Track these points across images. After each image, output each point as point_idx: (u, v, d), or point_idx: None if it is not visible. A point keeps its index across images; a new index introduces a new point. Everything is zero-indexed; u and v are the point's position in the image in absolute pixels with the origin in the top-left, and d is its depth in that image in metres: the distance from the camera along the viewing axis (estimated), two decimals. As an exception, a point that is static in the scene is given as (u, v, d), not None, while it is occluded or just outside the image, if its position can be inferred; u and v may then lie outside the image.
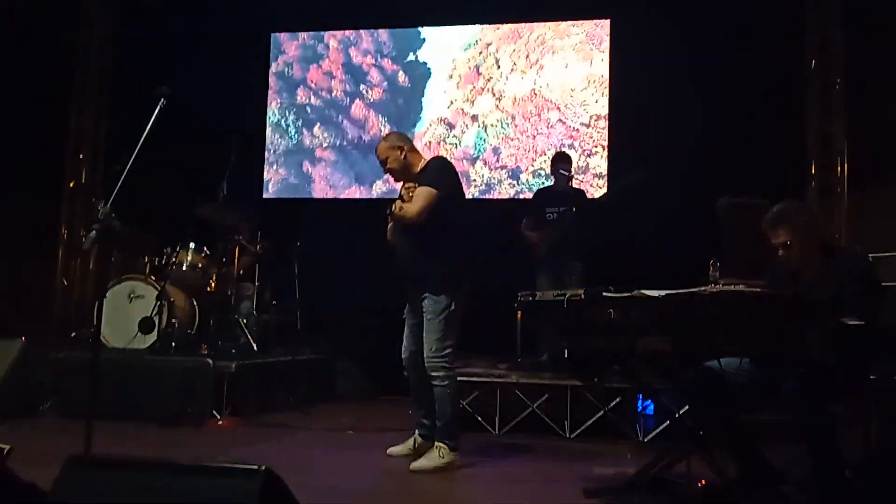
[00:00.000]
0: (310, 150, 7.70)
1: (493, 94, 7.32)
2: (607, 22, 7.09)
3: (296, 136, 7.75)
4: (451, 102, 7.41)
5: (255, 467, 2.06)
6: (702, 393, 3.23)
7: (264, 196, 7.68)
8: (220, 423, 5.05)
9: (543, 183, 6.56)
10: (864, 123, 6.13)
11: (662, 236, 6.25)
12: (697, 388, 3.22)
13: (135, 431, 4.57)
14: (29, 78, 7.10)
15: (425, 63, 7.54)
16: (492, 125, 7.29)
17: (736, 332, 2.57)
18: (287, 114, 7.79)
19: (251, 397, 5.51)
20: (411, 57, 7.58)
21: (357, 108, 7.66)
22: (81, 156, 7.66)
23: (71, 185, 7.61)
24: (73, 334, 6.28)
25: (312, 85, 7.79)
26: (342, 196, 7.56)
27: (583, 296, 3.00)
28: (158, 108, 3.29)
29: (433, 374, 3.86)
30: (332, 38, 7.76)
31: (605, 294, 2.93)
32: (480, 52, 7.40)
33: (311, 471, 3.74)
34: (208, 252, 6.06)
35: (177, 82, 3.83)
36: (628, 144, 6.74)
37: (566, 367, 5.13)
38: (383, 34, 7.65)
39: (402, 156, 4.01)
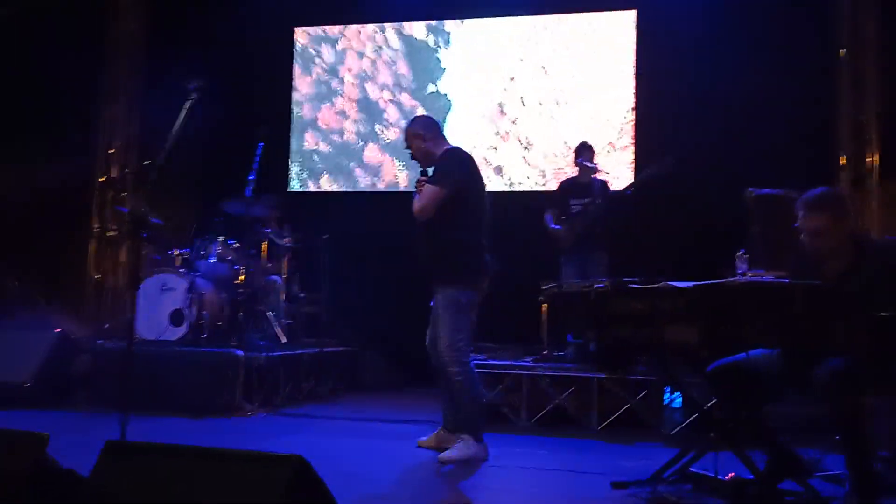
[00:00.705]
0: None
1: (517, 133, 7.31)
2: (633, 13, 7.05)
3: (299, 186, 7.78)
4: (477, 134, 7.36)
5: (288, 455, 2.10)
6: (730, 385, 3.22)
7: (290, 189, 7.75)
8: (250, 413, 5.12)
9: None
10: (896, 113, 6.03)
11: (688, 228, 6.21)
12: (725, 379, 3.20)
13: (167, 422, 4.66)
14: (59, 71, 7.20)
15: (446, 95, 7.53)
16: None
17: (764, 323, 2.56)
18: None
19: (280, 388, 5.59)
20: (431, 88, 7.58)
21: (370, 152, 7.67)
22: (112, 150, 7.77)
23: (102, 179, 7.73)
24: (105, 325, 6.40)
25: (323, 127, 7.81)
26: (369, 189, 7.60)
27: (609, 287, 3.00)
28: (190, 101, 3.33)
29: (448, 368, 3.88)
30: (348, 73, 7.77)
31: (631, 285, 2.93)
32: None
33: (339, 460, 3.79)
34: (237, 245, 6.14)
35: (206, 75, 3.89)
36: (654, 135, 6.69)
37: (592, 359, 5.11)
38: (402, 66, 7.65)
39: (424, 144, 4.02)
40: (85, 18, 7.47)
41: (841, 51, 6.23)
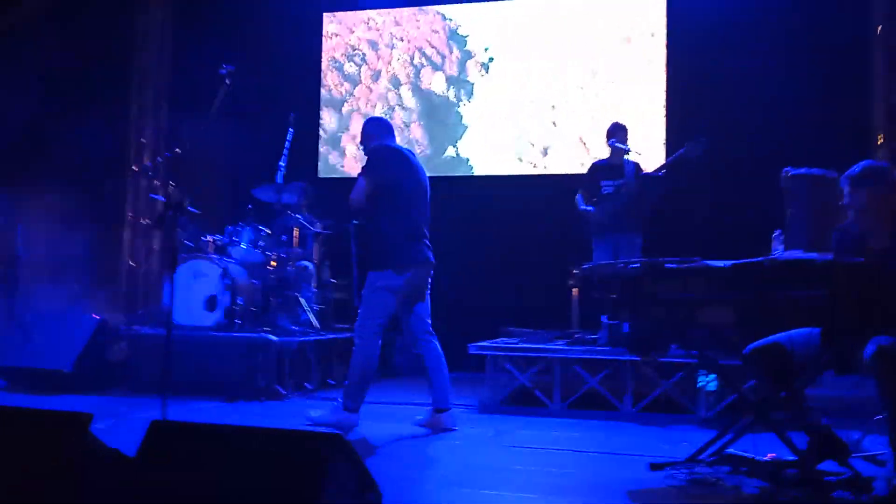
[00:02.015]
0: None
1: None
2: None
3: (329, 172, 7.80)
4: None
5: (329, 433, 2.12)
6: (768, 366, 3.18)
7: (320, 176, 7.79)
8: (283, 397, 5.18)
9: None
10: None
11: (723, 209, 6.13)
12: (764, 360, 3.17)
13: (202, 405, 4.74)
14: (90, 62, 7.29)
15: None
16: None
17: (805, 302, 2.52)
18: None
19: (313, 373, 5.64)
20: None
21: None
22: (143, 139, 7.86)
23: (134, 167, 7.82)
24: (139, 312, 6.49)
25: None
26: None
27: (644, 267, 2.98)
28: (225, 87, 3.35)
29: (354, 338, 4.27)
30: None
31: (667, 265, 2.91)
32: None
33: (372, 442, 3.83)
34: (269, 231, 6.18)
35: (235, 63, 3.92)
36: (687, 115, 6.61)
37: (625, 342, 5.08)
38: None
39: (370, 143, 4.37)
40: (113, 9, 7.54)
41: (878, 27, 6.10)
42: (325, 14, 7.92)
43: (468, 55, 7.54)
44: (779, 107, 6.19)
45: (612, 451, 3.68)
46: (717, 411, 4.62)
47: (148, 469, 2.06)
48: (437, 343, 4.34)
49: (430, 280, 4.37)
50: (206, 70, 4.58)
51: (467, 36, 7.56)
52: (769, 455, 3.01)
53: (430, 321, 4.36)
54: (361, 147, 4.51)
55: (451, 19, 7.62)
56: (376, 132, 4.43)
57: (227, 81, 3.48)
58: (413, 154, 4.50)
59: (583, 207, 5.63)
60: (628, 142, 5.64)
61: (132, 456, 2.16)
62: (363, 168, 4.30)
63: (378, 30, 7.82)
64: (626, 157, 5.58)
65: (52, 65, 7.19)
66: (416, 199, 4.30)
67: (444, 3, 7.61)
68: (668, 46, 6.85)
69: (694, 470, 3.14)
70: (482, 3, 7.52)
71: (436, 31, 7.64)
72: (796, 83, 6.19)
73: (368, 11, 7.83)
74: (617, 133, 5.63)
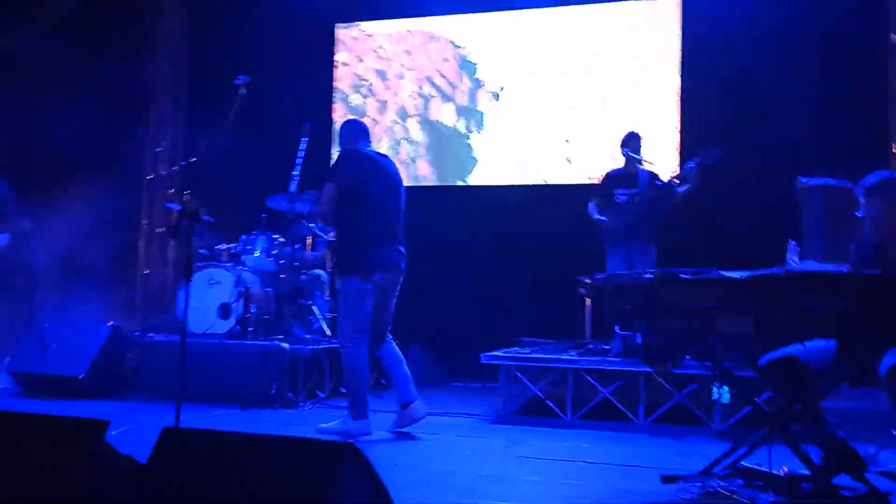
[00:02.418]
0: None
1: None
2: None
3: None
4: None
5: (342, 443, 2.12)
6: (784, 377, 3.15)
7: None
8: (296, 405, 5.19)
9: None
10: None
11: (737, 219, 6.09)
12: (779, 372, 3.14)
13: (215, 413, 4.75)
14: (105, 71, 7.36)
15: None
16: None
17: (822, 313, 2.50)
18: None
19: (325, 381, 5.65)
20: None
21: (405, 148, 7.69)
22: (159, 148, 7.92)
23: (150, 176, 7.88)
24: (154, 319, 6.53)
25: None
26: (411, 184, 7.63)
27: (658, 277, 2.96)
28: (238, 99, 3.37)
29: (339, 347, 4.28)
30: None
31: (681, 275, 2.89)
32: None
33: (384, 450, 3.82)
34: (282, 240, 6.21)
35: (249, 73, 3.94)
36: (702, 125, 6.59)
37: (638, 353, 5.05)
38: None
39: (343, 147, 4.46)
40: (127, 18, 7.61)
41: (892, 35, 6.05)
42: (336, 36, 7.92)
43: (478, 84, 7.49)
44: (793, 113, 6.15)
45: (624, 463, 3.65)
46: (731, 423, 4.58)
47: (159, 476, 2.07)
48: (394, 344, 4.45)
49: (397, 286, 4.39)
50: (221, 80, 4.62)
51: (477, 64, 7.51)
52: (783, 469, 2.98)
53: (389, 326, 4.45)
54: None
55: (461, 46, 7.56)
56: (348, 137, 4.46)
57: (242, 92, 3.50)
58: (384, 157, 4.49)
59: (596, 217, 5.61)
60: (642, 150, 5.64)
61: (144, 462, 2.17)
62: (328, 173, 4.36)
63: (388, 59, 7.76)
64: (640, 165, 5.57)
65: (68, 74, 7.26)
66: (384, 203, 4.29)
67: (441, 14, 7.60)
68: (683, 53, 6.84)
69: (707, 483, 3.12)
70: (487, 19, 7.51)
71: (446, 60, 7.58)
72: (811, 92, 6.16)
73: (379, 39, 7.78)
74: (631, 142, 5.62)
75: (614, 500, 2.95)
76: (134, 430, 3.89)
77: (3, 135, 6.61)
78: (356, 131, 4.49)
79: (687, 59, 6.82)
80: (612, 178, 5.70)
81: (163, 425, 2.29)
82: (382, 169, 4.35)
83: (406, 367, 4.40)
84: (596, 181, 6.08)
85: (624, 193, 5.51)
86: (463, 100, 7.53)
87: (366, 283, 4.19)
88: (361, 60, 7.88)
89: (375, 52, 7.83)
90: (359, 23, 7.92)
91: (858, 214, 2.92)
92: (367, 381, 4.30)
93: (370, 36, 7.85)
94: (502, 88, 7.42)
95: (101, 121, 7.39)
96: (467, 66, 7.55)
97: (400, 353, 4.43)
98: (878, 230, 2.86)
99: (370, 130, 4.61)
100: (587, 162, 7.07)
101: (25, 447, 2.21)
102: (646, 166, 5.63)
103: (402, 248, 4.34)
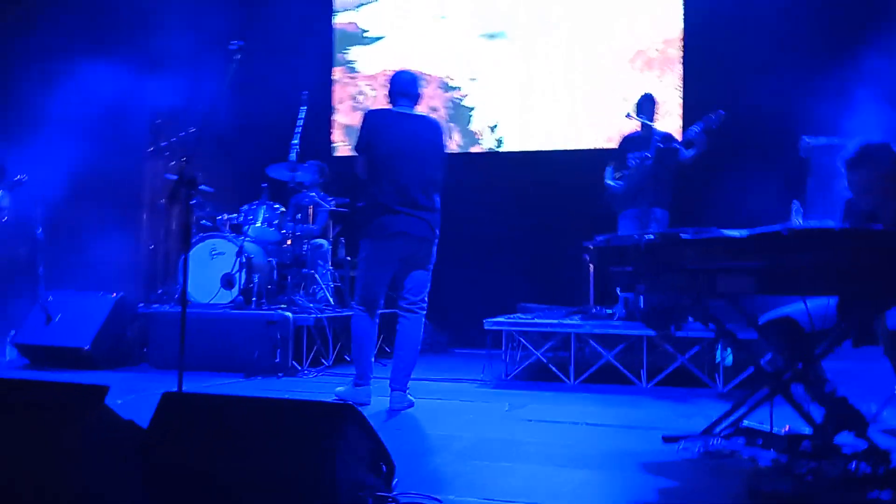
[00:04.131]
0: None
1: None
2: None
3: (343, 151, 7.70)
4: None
5: (342, 404, 2.13)
6: (783, 337, 3.15)
7: (334, 154, 7.77)
8: (300, 373, 5.22)
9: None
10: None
11: (744, 179, 6.03)
12: (779, 331, 3.13)
13: (220, 381, 4.79)
14: (102, 42, 7.28)
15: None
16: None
17: (822, 271, 2.47)
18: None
19: (329, 349, 5.67)
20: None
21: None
22: (159, 120, 7.87)
23: (150, 149, 7.84)
24: (159, 291, 6.55)
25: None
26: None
27: (659, 238, 2.94)
28: (233, 64, 3.33)
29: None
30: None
31: (683, 235, 2.87)
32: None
33: (387, 416, 3.84)
34: (284, 209, 6.20)
35: (246, 39, 3.89)
36: (705, 83, 6.51)
37: (641, 317, 5.05)
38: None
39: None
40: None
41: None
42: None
43: (484, 43, 7.43)
44: (802, 73, 6.05)
45: (627, 425, 3.67)
46: (734, 385, 4.59)
47: (161, 439, 2.08)
48: (414, 319, 4.12)
49: (417, 252, 4.08)
50: (219, 48, 4.57)
51: (473, 109, 7.41)
52: (785, 427, 2.98)
53: (413, 297, 4.12)
54: None
55: (457, 88, 7.46)
56: (390, 95, 4.23)
57: (237, 57, 3.46)
58: (415, 118, 4.15)
59: (606, 181, 5.56)
60: (657, 114, 5.53)
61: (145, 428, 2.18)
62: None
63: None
64: (654, 128, 5.45)
65: (65, 44, 7.19)
66: (396, 165, 4.01)
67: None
68: (686, 10, 6.74)
69: (709, 443, 3.12)
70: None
71: (444, 17, 7.50)
72: (817, 44, 6.05)
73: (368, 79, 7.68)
74: (644, 105, 5.52)
75: (616, 460, 2.96)
76: (140, 399, 3.92)
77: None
78: (394, 91, 4.20)
79: (691, 12, 6.72)
80: (627, 140, 5.61)
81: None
82: (403, 130, 4.07)
83: (410, 352, 4.11)
84: (602, 146, 6.02)
85: (636, 157, 5.45)
86: (468, 60, 7.47)
87: (374, 249, 4.06)
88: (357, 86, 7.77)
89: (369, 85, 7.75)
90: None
91: (843, 188, 2.90)
92: (370, 348, 4.17)
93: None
94: (499, 135, 7.35)
95: (101, 91, 7.34)
96: (474, 17, 7.45)
97: (416, 333, 4.13)
98: (866, 200, 2.84)
99: (417, 81, 4.24)
100: (592, 127, 7.01)
101: (28, 413, 2.23)
102: (658, 127, 5.53)
103: (422, 214, 4.03)
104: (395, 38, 7.72)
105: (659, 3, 6.91)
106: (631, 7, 6.99)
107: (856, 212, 2.99)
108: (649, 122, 5.45)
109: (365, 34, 7.79)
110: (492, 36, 7.41)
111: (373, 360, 4.23)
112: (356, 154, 4.13)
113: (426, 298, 4.19)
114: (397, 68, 4.42)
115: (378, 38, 7.77)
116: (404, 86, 4.19)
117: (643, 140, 5.46)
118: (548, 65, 7.21)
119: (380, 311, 4.21)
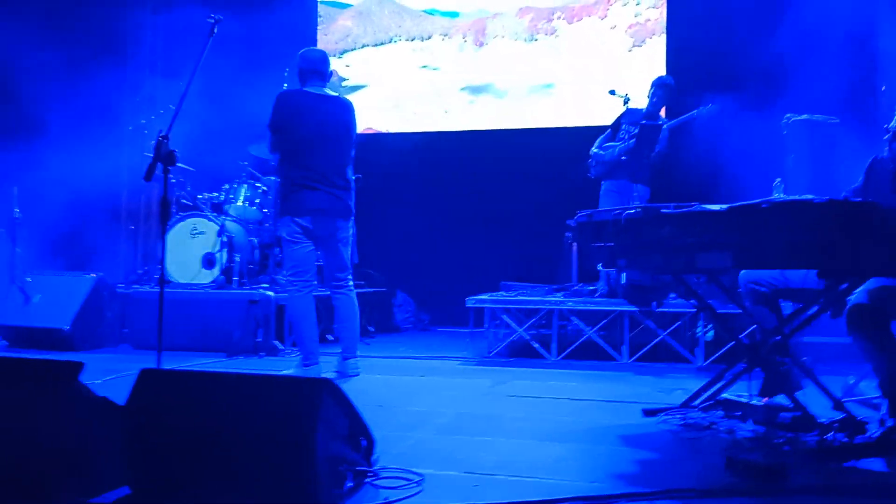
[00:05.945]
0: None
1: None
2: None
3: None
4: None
5: (319, 378, 2.11)
6: (764, 310, 3.17)
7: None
8: (282, 353, 5.20)
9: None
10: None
11: (728, 157, 6.04)
12: (759, 302, 3.15)
13: (200, 361, 4.76)
14: (84, 21, 7.16)
15: None
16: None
17: (802, 244, 2.48)
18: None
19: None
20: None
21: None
22: (138, 98, 7.77)
23: (130, 128, 7.74)
24: (139, 271, 6.50)
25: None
26: (399, 130, 7.54)
27: (640, 213, 2.94)
28: (211, 35, 3.28)
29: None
30: None
31: (663, 210, 2.87)
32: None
33: (369, 393, 3.84)
34: (265, 188, 6.15)
35: (227, 11, 3.83)
36: (689, 63, 6.49)
37: (623, 293, 5.07)
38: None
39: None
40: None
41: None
42: None
43: (463, 23, 7.38)
44: (785, 50, 6.05)
45: (608, 400, 3.68)
46: (713, 360, 4.63)
47: (137, 415, 2.06)
48: (349, 295, 4.28)
49: (337, 231, 4.19)
50: (198, 25, 4.50)
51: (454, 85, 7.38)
52: (764, 399, 3.00)
53: (339, 274, 4.27)
54: None
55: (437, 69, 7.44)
56: (299, 76, 4.29)
57: (215, 31, 3.41)
58: (328, 98, 4.23)
59: (592, 150, 5.54)
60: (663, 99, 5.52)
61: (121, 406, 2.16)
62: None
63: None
64: (659, 111, 5.46)
65: (45, 24, 7.07)
66: (315, 145, 4.11)
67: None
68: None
69: (688, 415, 3.16)
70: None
71: None
72: (803, 28, 6.05)
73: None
74: (657, 88, 5.49)
75: (597, 434, 2.98)
76: (120, 380, 3.89)
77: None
78: (305, 69, 4.26)
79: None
80: (625, 114, 5.58)
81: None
82: (319, 112, 4.16)
83: (354, 323, 4.28)
84: (585, 124, 5.99)
85: (626, 132, 5.44)
86: (450, 39, 7.41)
87: (294, 227, 4.12)
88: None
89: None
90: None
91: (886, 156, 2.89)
92: (309, 327, 4.17)
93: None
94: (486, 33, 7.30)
95: (79, 72, 7.22)
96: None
97: (351, 309, 4.27)
98: None
99: (327, 59, 4.35)
100: (575, 105, 6.99)
101: (3, 389, 2.20)
102: (634, 106, 5.51)
103: (337, 192, 4.15)
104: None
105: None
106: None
107: (883, 167, 2.99)
108: (628, 100, 5.43)
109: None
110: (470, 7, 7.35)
111: (317, 338, 4.27)
112: (269, 132, 4.19)
113: (351, 274, 4.35)
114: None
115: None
116: (315, 64, 4.28)
117: (640, 115, 5.45)
118: (531, 43, 7.17)
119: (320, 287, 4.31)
